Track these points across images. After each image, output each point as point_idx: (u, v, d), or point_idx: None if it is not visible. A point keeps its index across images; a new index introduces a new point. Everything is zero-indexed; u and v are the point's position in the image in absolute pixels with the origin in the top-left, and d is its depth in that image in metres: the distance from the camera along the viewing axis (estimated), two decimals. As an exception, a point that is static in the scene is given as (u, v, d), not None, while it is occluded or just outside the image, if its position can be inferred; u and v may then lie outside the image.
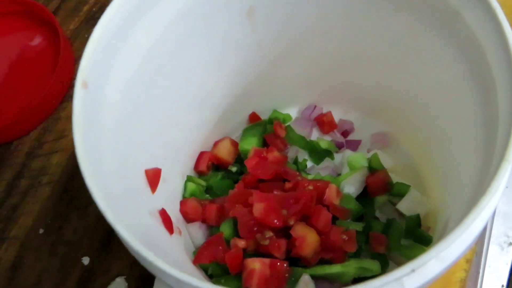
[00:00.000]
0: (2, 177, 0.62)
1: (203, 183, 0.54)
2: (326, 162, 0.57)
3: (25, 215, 0.59)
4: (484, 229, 0.39)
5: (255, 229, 0.45)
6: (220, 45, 0.48)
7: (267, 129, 0.57)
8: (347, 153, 0.56)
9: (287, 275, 0.44)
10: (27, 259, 0.56)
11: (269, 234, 0.44)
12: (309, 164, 0.57)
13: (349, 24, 0.48)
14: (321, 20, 0.48)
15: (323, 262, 0.46)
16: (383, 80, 0.52)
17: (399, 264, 0.48)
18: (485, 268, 0.51)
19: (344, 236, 0.45)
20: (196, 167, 0.55)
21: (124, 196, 0.37)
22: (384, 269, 0.47)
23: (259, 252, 0.45)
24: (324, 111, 0.60)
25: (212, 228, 0.50)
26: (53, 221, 0.58)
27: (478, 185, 0.35)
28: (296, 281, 0.44)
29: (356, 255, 0.48)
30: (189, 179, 0.53)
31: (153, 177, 0.44)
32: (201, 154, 0.55)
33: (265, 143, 0.56)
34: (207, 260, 0.45)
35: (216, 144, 0.56)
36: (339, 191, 0.49)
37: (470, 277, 0.50)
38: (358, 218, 0.51)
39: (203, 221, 0.50)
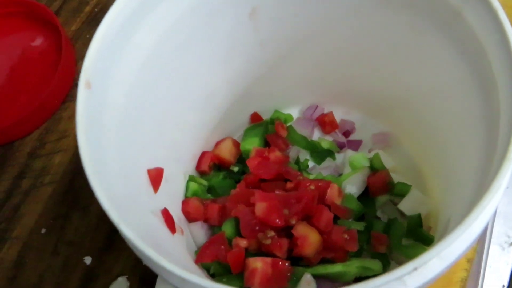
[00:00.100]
0: (4, 177, 0.62)
1: (205, 183, 0.54)
2: (328, 162, 0.57)
3: (27, 215, 0.59)
4: (485, 229, 0.39)
5: (257, 228, 0.45)
6: (223, 45, 0.48)
7: (269, 129, 0.57)
8: (349, 153, 0.56)
9: (289, 274, 0.44)
10: (29, 259, 0.56)
11: (271, 233, 0.44)
12: (311, 164, 0.57)
13: (351, 24, 0.48)
14: (323, 21, 0.49)
15: (324, 261, 0.46)
16: (385, 80, 0.52)
17: (400, 263, 0.48)
18: (485, 268, 0.51)
19: (346, 236, 0.45)
20: (198, 167, 0.55)
21: (126, 195, 0.37)
22: (386, 269, 0.47)
23: (261, 251, 0.45)
24: (326, 111, 0.60)
25: (214, 228, 0.50)
26: (55, 221, 0.58)
27: (479, 185, 0.35)
28: (298, 280, 0.44)
29: (358, 254, 0.48)
30: (191, 179, 0.53)
31: (156, 177, 0.44)
32: (203, 154, 0.55)
33: (266, 143, 0.56)
34: (209, 260, 0.45)
35: (218, 144, 0.56)
36: (340, 191, 0.50)
37: (471, 277, 0.51)
38: (360, 217, 0.51)
39: (205, 220, 0.50)
